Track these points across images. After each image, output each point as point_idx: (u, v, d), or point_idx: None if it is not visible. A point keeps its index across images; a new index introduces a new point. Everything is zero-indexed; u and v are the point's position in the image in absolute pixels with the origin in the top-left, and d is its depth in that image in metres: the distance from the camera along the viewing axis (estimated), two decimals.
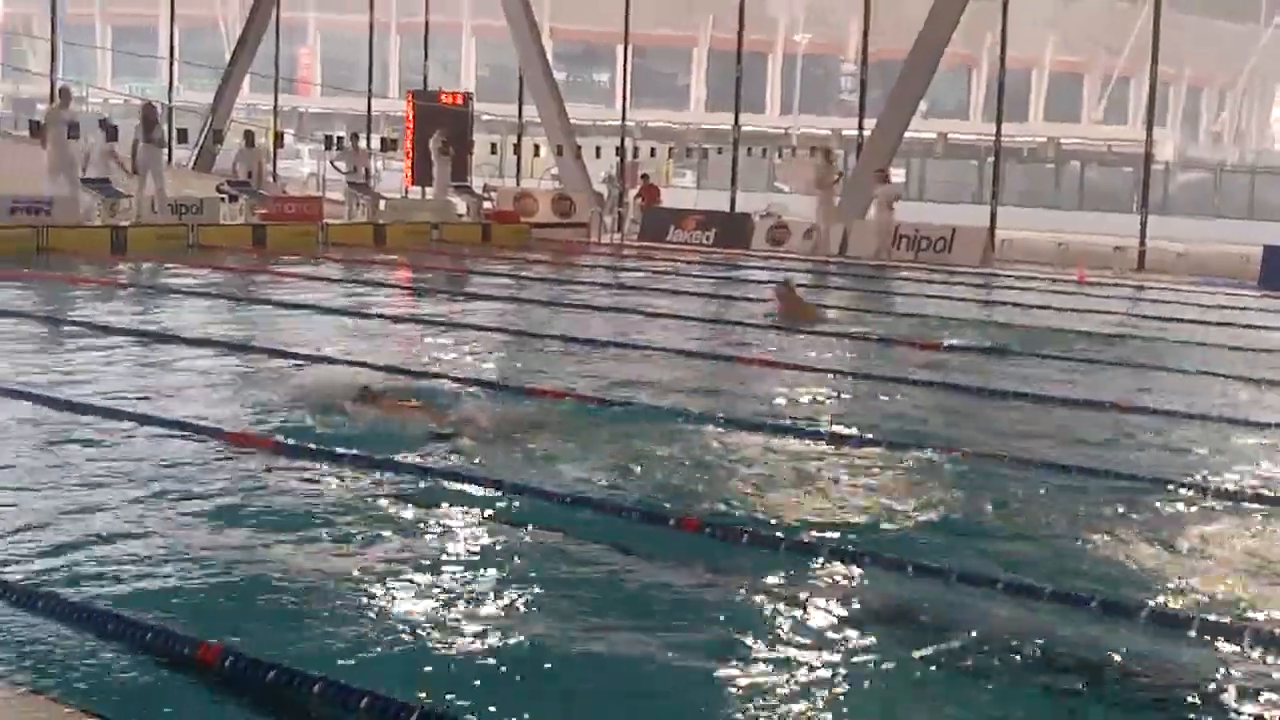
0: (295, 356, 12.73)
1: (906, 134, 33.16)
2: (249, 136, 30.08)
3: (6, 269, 20.16)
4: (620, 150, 35.80)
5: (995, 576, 6.60)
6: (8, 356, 12.16)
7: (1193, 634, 5.98)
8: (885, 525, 7.59)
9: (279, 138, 35.27)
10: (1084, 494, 8.41)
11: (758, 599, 6.24)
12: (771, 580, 6.50)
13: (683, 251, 29.92)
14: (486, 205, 33.39)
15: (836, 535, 7.28)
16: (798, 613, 6.07)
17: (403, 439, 9.19)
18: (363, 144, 32.94)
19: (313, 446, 8.86)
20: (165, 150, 26.51)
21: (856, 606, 6.21)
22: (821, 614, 6.08)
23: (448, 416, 9.74)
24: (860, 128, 33.01)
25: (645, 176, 35.78)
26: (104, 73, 67.47)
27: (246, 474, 8.20)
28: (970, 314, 19.40)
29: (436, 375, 11.93)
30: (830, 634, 5.83)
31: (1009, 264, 28.77)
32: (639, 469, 8.68)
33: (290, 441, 8.97)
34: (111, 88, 59.98)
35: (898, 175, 39.80)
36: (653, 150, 40.04)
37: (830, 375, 13.07)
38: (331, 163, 32.31)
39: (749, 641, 5.68)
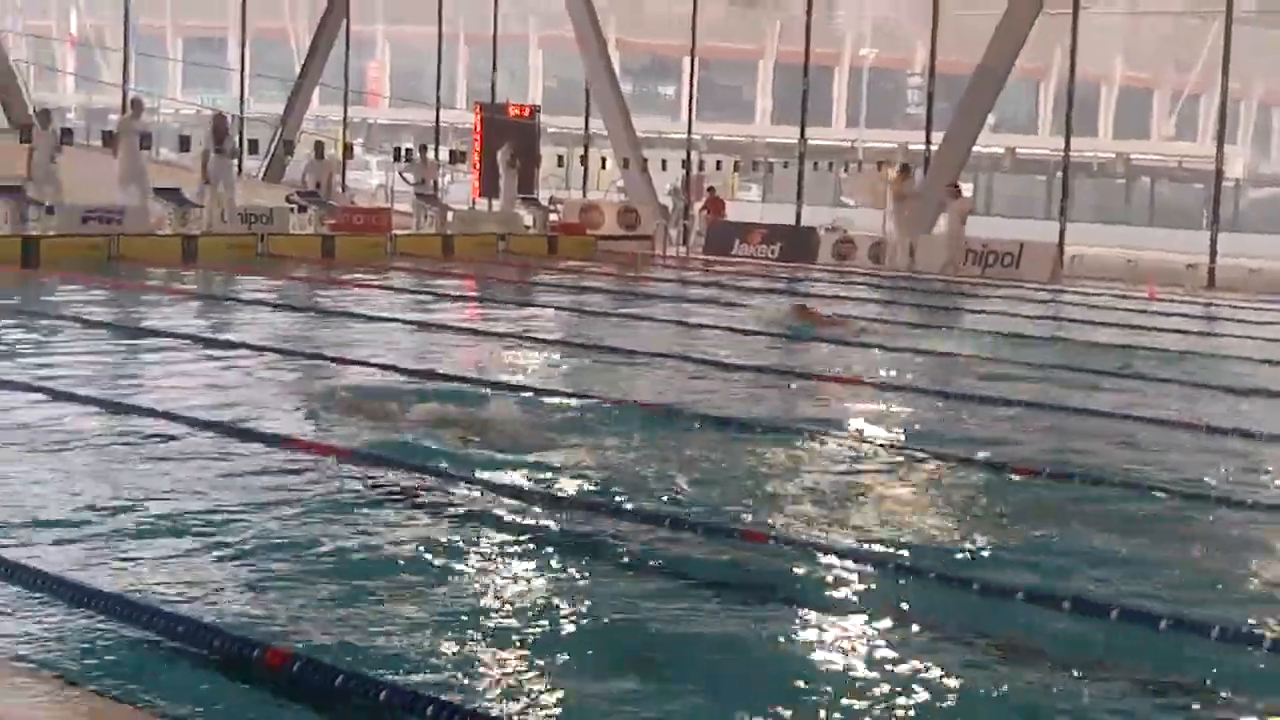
0: (357, 364, 12.81)
1: (974, 148, 33.00)
2: (318, 148, 30.32)
3: (79, 277, 20.43)
4: (686, 163, 35.82)
5: (1060, 594, 6.55)
6: (79, 363, 12.29)
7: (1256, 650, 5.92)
8: (947, 541, 7.55)
9: (348, 149, 35.53)
10: (1158, 510, 8.35)
11: (822, 613, 6.22)
12: (839, 594, 6.48)
13: (747, 265, 29.87)
14: (552, 217, 33.49)
15: (906, 551, 7.25)
16: (867, 629, 6.04)
17: (461, 446, 9.23)
18: (431, 156, 33.10)
19: (377, 454, 8.91)
20: (236, 161, 26.74)
21: (928, 623, 6.18)
22: (893, 631, 6.05)
23: (476, 422, 9.79)
24: (927, 142, 32.86)
25: (711, 189, 35.76)
26: (175, 84, 68.19)
27: (311, 479, 8.25)
28: (1042, 330, 19.26)
29: (494, 384, 11.98)
30: (901, 651, 5.80)
31: (1078, 280, 28.54)
32: (708, 483, 8.67)
33: (354, 448, 9.03)
34: (182, 99, 60.62)
35: (966, 190, 39.59)
36: (718, 163, 40.03)
37: (903, 391, 12.99)
38: (400, 174, 32.51)
39: (815, 656, 5.66)
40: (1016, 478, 9.12)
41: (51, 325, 15.28)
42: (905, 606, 6.39)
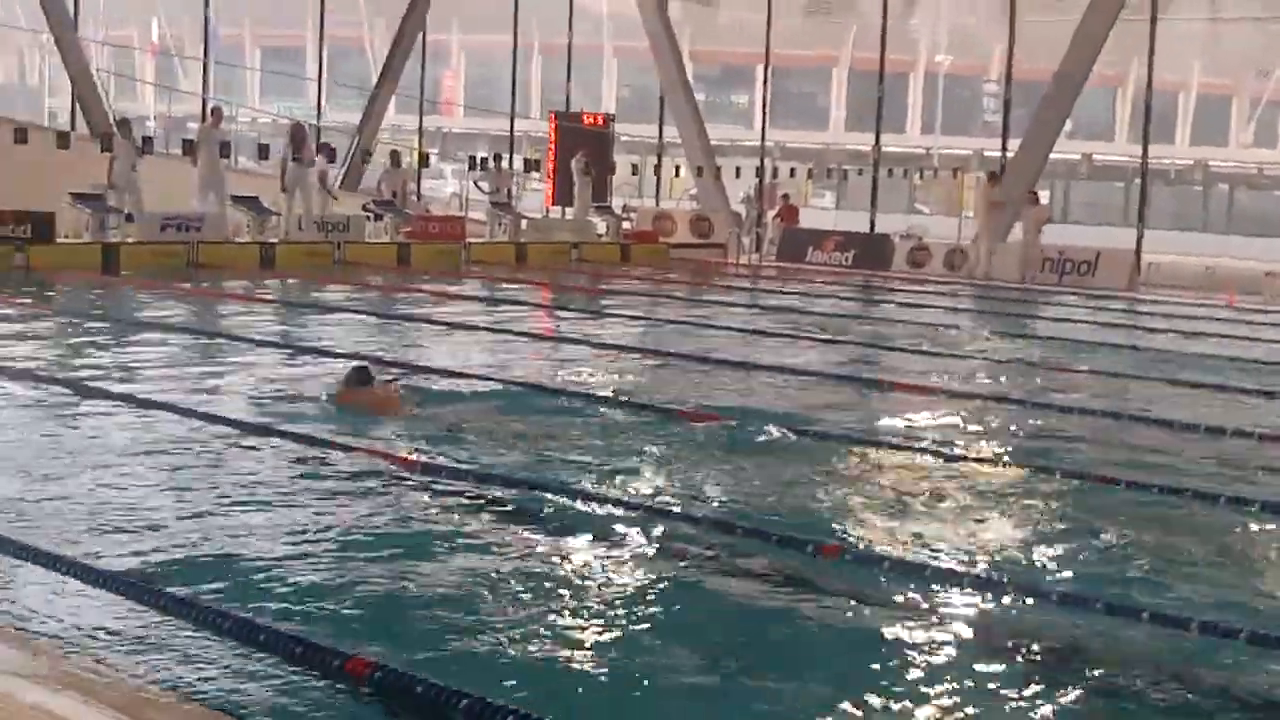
0: (437, 372, 12.90)
1: (1051, 155, 32.74)
2: (394, 156, 30.55)
3: (158, 283, 20.70)
4: (759, 170, 35.79)
5: (1138, 606, 6.50)
6: (159, 370, 12.45)
7: None
8: (1021, 552, 7.51)
9: (424, 158, 35.75)
10: (1231, 523, 8.28)
11: (894, 627, 6.20)
12: (909, 606, 6.46)
13: (821, 273, 29.78)
14: (626, 225, 33.57)
15: (978, 561, 7.22)
16: (935, 641, 6.02)
17: (541, 457, 9.28)
18: (505, 164, 33.28)
19: (453, 464, 8.97)
20: (313, 169, 27.00)
21: (997, 635, 6.15)
22: (962, 643, 6.03)
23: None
24: (1004, 149, 32.62)
25: (786, 196, 35.70)
26: (253, 93, 68.86)
27: (390, 489, 8.32)
28: (1118, 338, 19.09)
29: (568, 391, 12.02)
30: (969, 664, 5.78)
31: (1155, 288, 28.26)
32: (778, 492, 8.68)
33: (429, 459, 9.09)
34: (260, 107, 61.21)
35: (1042, 197, 39.26)
36: (792, 171, 39.85)
37: (980, 400, 12.91)
38: (475, 183, 32.69)
39: (881, 672, 5.66)
40: (1094, 487, 9.07)
41: (132, 331, 15.48)
42: (971, 615, 6.37)
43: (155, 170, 24.94)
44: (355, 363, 11.81)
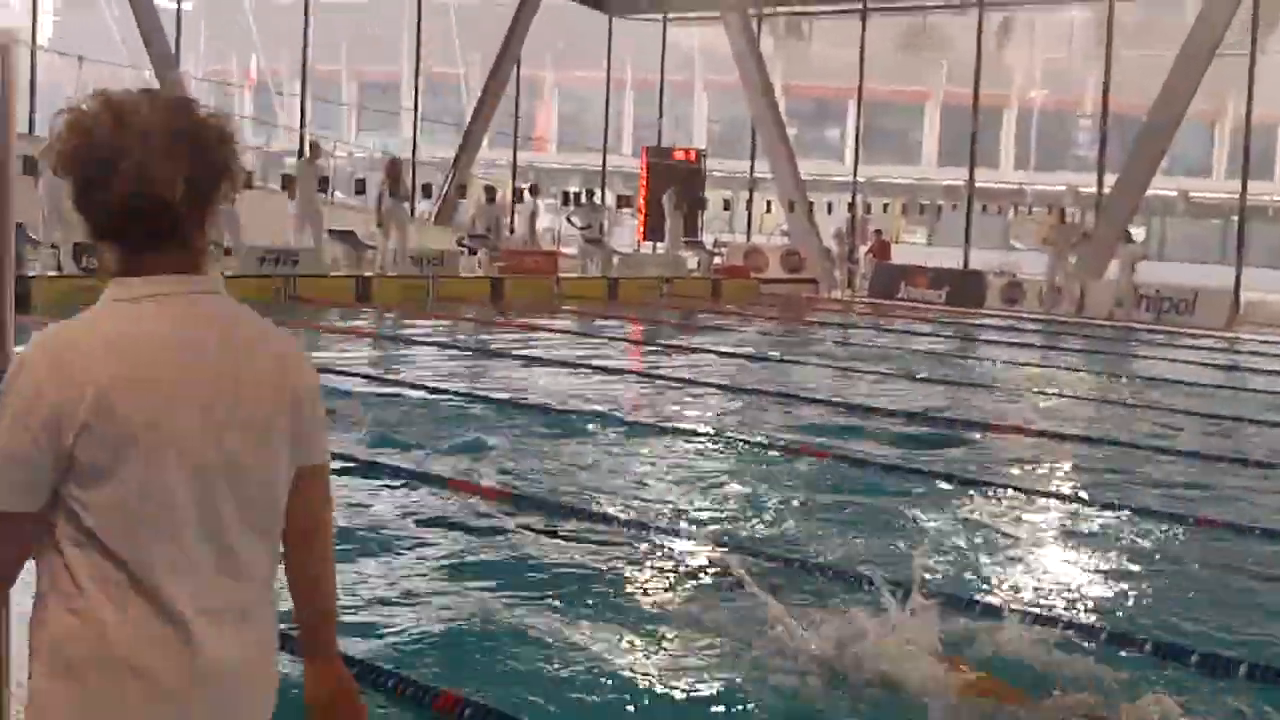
0: (532, 408, 12.98)
1: (1147, 191, 32.41)
2: (489, 192, 30.80)
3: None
4: (851, 206, 35.71)
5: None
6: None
7: None
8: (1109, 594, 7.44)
9: (518, 194, 36.05)
10: None
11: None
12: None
13: (914, 309, 29.63)
14: (717, 260, 33.61)
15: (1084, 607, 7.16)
16: None
17: (628, 489, 9.32)
18: (598, 200, 33.45)
19: (543, 497, 9.03)
20: (409, 204, 27.31)
21: None
22: None
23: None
24: (1099, 184, 32.32)
25: (878, 232, 35.59)
26: (350, 128, 69.73)
27: (477, 523, 8.38)
28: (1217, 379, 18.82)
29: (672, 424, 12.07)
30: None
31: (1256, 327, 27.83)
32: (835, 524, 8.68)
33: (519, 491, 9.16)
34: (357, 143, 61.96)
35: (1138, 234, 38.84)
36: (885, 206, 39.77)
37: (1080, 441, 12.80)
38: (568, 218, 32.88)
39: None
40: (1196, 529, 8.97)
41: None
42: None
43: (253, 204, 25.28)
44: None
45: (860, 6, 36.08)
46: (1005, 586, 7.50)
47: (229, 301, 2.54)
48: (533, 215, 32.29)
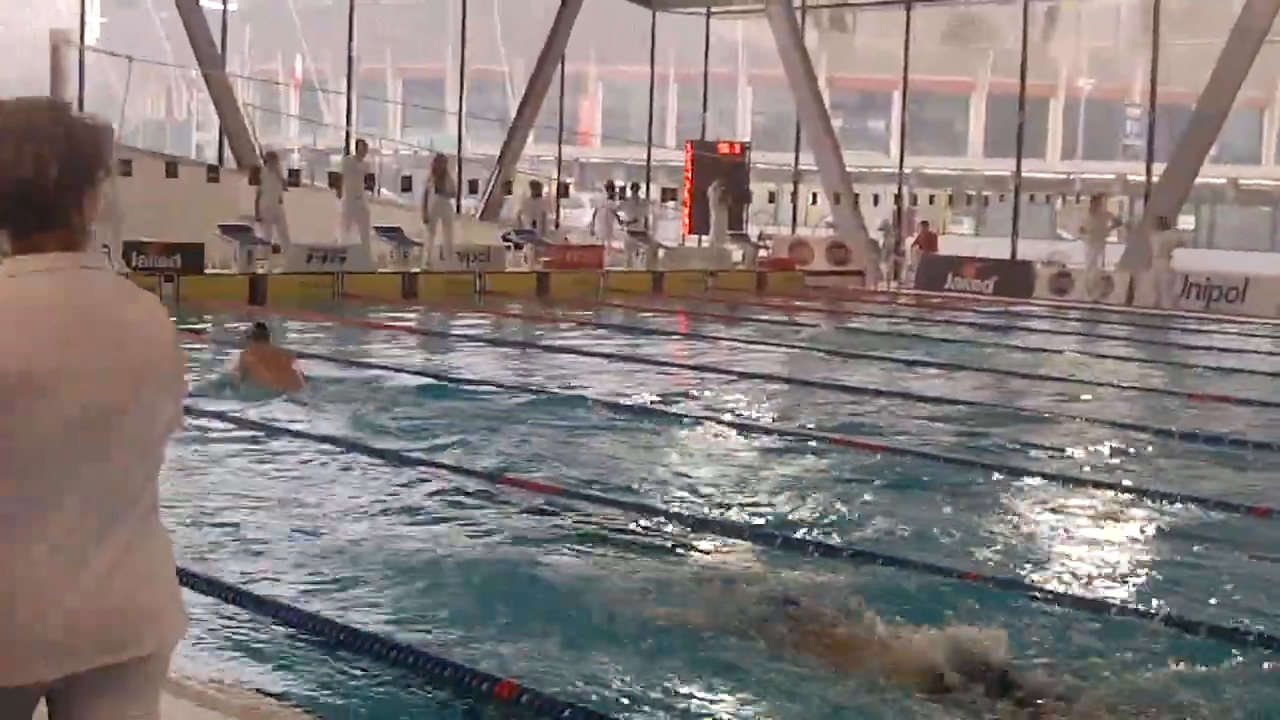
0: (572, 401, 13.01)
1: (1195, 179, 32.15)
2: (534, 187, 30.84)
3: (304, 314, 21.09)
4: (897, 197, 35.58)
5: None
6: (299, 397, 12.67)
7: None
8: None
9: (563, 188, 36.07)
10: None
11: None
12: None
13: (961, 300, 29.48)
14: (762, 253, 33.54)
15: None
16: None
17: (675, 485, 9.32)
18: (642, 194, 33.43)
19: (589, 491, 9.04)
20: (455, 201, 27.39)
21: None
22: None
23: None
24: (1148, 174, 32.07)
25: (925, 223, 35.43)
26: (395, 125, 69.94)
27: (527, 516, 8.40)
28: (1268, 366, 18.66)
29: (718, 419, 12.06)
30: None
31: None
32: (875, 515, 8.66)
33: (569, 486, 9.18)
34: (402, 140, 62.14)
35: (1186, 222, 38.54)
36: (931, 197, 39.58)
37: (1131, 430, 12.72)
38: (613, 212, 32.89)
39: None
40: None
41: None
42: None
43: (301, 202, 25.43)
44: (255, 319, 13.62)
45: None
46: (1065, 572, 7.47)
47: (108, 273, 2.90)
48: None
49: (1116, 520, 8.89)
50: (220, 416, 11.30)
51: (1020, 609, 6.73)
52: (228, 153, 30.12)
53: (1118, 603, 6.98)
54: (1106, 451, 11.40)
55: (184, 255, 22.69)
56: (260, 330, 13.09)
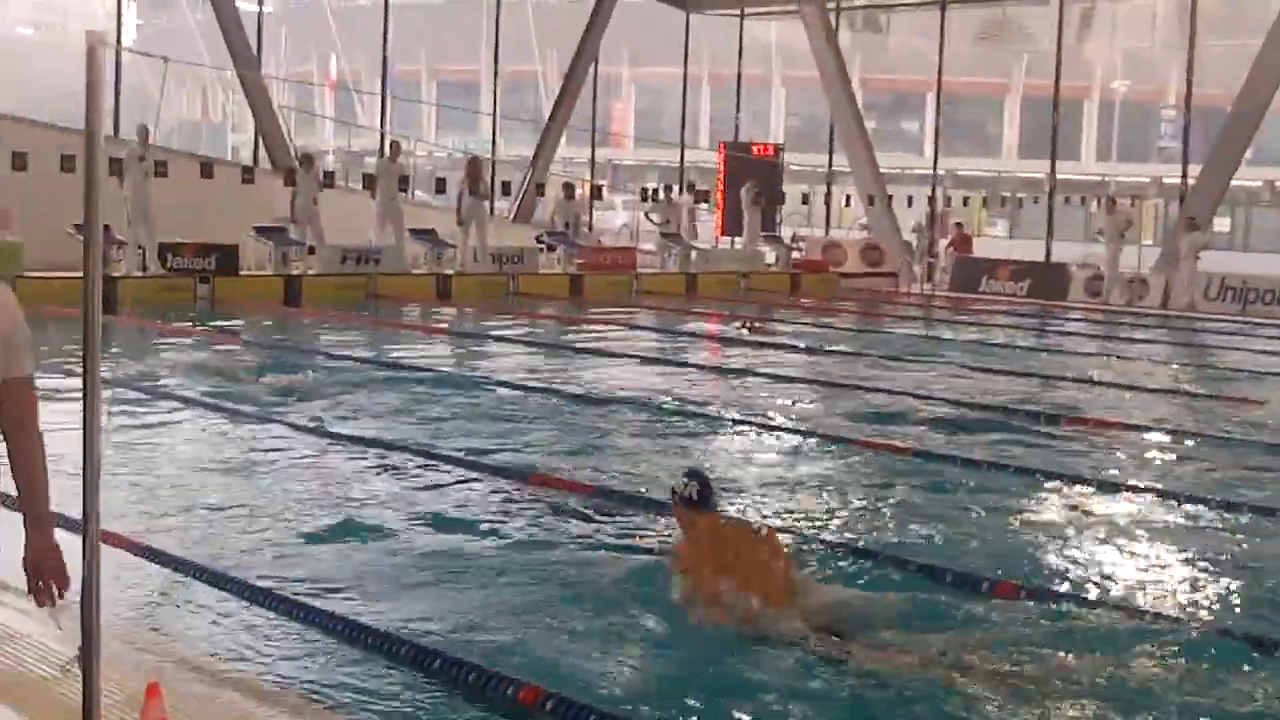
0: (605, 402, 13.03)
1: (1231, 182, 31.97)
2: (567, 189, 30.90)
3: (338, 314, 21.19)
4: (931, 199, 35.51)
5: None
6: (337, 399, 12.73)
7: None
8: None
9: (596, 190, 36.12)
10: None
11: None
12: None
13: (995, 303, 29.39)
14: (795, 255, 33.52)
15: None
16: None
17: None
18: (675, 195, 33.46)
19: (620, 489, 9.06)
20: (489, 203, 27.49)
21: None
22: None
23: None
24: (1184, 176, 31.91)
25: (959, 225, 35.33)
26: (429, 127, 70.15)
27: (551, 516, 8.41)
28: None
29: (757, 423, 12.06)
30: None
31: None
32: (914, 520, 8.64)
33: (599, 484, 9.20)
34: (436, 142, 62.34)
35: (1222, 225, 38.34)
36: (965, 199, 39.50)
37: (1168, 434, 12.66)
38: (645, 214, 32.92)
39: None
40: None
41: (321, 363, 15.84)
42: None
43: (335, 204, 25.54)
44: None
45: None
46: (1103, 578, 7.46)
47: None
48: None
49: (1153, 526, 8.84)
50: (247, 417, 11.38)
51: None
52: (263, 154, 30.23)
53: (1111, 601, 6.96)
54: (1136, 455, 11.36)
55: (219, 256, 22.84)
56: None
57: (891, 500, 9.25)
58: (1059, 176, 35.42)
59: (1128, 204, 34.16)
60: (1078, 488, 9.82)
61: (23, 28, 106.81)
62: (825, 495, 9.34)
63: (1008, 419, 13.04)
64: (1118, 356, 19.59)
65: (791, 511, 8.84)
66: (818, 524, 8.47)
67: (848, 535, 8.24)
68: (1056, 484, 9.91)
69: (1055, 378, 16.57)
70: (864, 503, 9.15)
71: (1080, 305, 29.15)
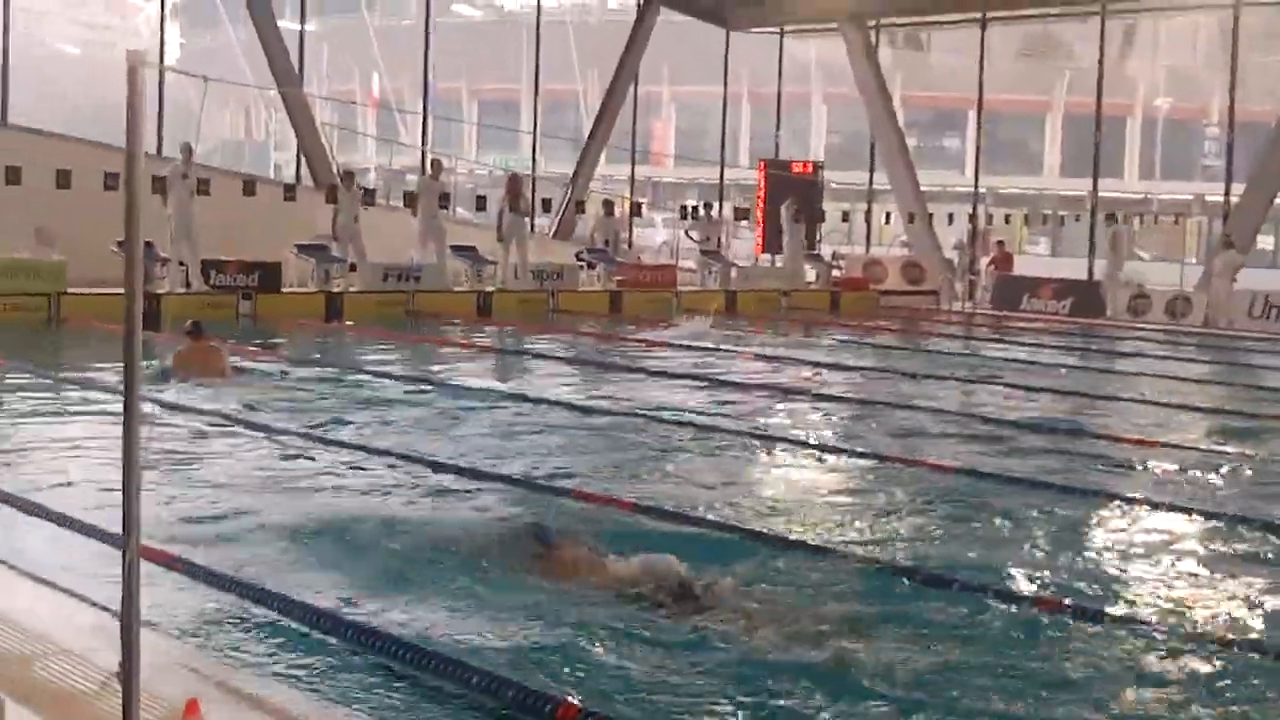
0: (655, 420, 13.02)
1: (1276, 199, 31.76)
2: (607, 206, 30.93)
3: (379, 331, 21.27)
4: (972, 217, 35.39)
5: None
6: (380, 415, 12.76)
7: None
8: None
9: (635, 207, 36.15)
10: None
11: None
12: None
13: (1037, 321, 29.25)
14: (835, 273, 33.48)
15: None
16: None
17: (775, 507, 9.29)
18: (715, 213, 33.48)
19: (662, 506, 9.04)
20: (529, 220, 27.58)
21: None
22: None
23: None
24: (1227, 194, 31.73)
25: (1000, 243, 35.20)
26: (470, 145, 70.40)
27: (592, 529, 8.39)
28: None
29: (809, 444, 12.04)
30: None
31: None
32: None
33: (645, 502, 9.18)
34: (477, 160, 62.55)
35: (1266, 242, 38.07)
36: (1006, 217, 39.36)
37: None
38: (685, 232, 32.94)
39: None
40: None
41: (357, 379, 15.88)
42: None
43: (377, 221, 25.66)
44: (191, 320, 14.70)
45: (979, 16, 35.74)
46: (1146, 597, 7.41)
47: None
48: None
49: (1192, 546, 8.77)
50: (287, 433, 11.44)
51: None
52: (305, 172, 30.41)
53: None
54: (1179, 473, 11.27)
55: (261, 273, 22.98)
56: (195, 329, 14.41)
57: (934, 519, 9.20)
58: (1101, 194, 35.25)
59: (1121, 219, 33.97)
60: (1121, 506, 9.76)
61: (68, 45, 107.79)
62: (865, 513, 9.30)
63: (1047, 436, 12.98)
64: (1154, 375, 19.43)
65: (829, 528, 8.81)
66: (857, 541, 8.43)
67: (889, 553, 8.19)
68: (1101, 502, 9.84)
69: (1094, 396, 16.47)
70: (908, 521, 9.10)
71: (1122, 324, 28.96)
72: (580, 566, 7.34)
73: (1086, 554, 8.40)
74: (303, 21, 31.78)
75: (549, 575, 7.24)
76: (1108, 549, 8.57)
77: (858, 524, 9.03)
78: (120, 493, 3.90)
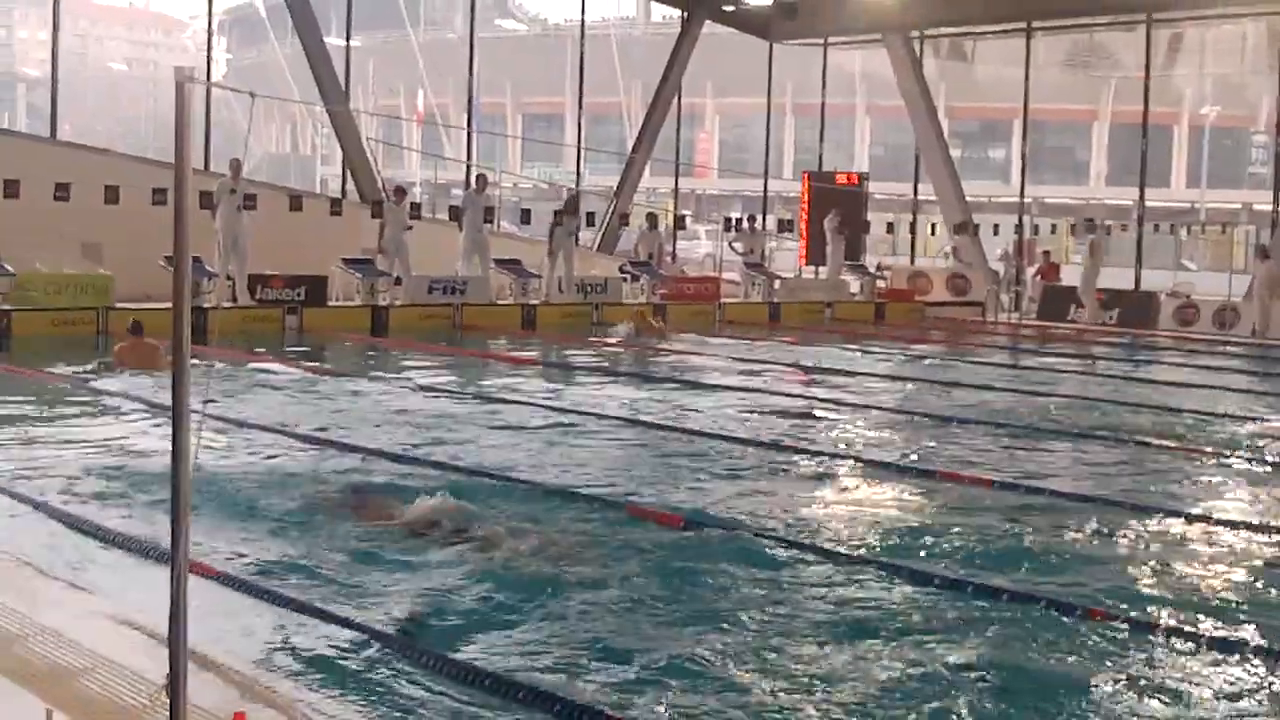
0: (700, 435, 13.02)
1: None
2: (651, 219, 30.95)
3: (425, 344, 21.34)
4: (1018, 227, 35.21)
5: None
6: (421, 430, 12.80)
7: None
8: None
9: (679, 220, 36.16)
10: None
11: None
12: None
13: (1084, 332, 29.06)
14: (880, 284, 33.37)
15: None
16: None
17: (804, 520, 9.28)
18: (759, 225, 33.41)
19: (723, 520, 9.03)
20: (575, 233, 27.67)
21: None
22: None
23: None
24: (1275, 202, 31.46)
25: (1047, 253, 35.00)
26: (515, 159, 70.63)
27: (653, 549, 8.38)
28: None
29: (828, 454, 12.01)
30: None
31: None
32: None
33: (701, 515, 9.18)
34: (521, 173, 62.74)
35: None
36: (1053, 227, 39.16)
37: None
38: (729, 244, 32.91)
39: None
40: None
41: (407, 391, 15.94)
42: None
43: (422, 235, 25.75)
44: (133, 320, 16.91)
45: (1025, 25, 35.58)
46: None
47: None
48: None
49: (1235, 557, 8.71)
50: (331, 445, 11.47)
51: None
52: (351, 187, 30.52)
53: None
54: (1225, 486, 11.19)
55: (308, 287, 23.10)
56: (135, 328, 16.65)
57: (975, 531, 9.16)
58: (1148, 203, 35.04)
59: (1096, 224, 33.81)
60: (1172, 518, 9.70)
61: (116, 63, 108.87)
62: (909, 525, 9.27)
63: (1097, 447, 12.91)
64: (1198, 385, 19.26)
65: (873, 538, 8.79)
66: (904, 553, 8.41)
67: (934, 565, 8.16)
68: (1153, 514, 9.78)
69: (1139, 405, 16.37)
70: (952, 534, 9.06)
71: (1170, 334, 28.74)
72: (383, 513, 9.04)
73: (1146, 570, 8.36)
74: (348, 37, 31.85)
75: (359, 520, 8.92)
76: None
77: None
78: (170, 506, 3.92)
